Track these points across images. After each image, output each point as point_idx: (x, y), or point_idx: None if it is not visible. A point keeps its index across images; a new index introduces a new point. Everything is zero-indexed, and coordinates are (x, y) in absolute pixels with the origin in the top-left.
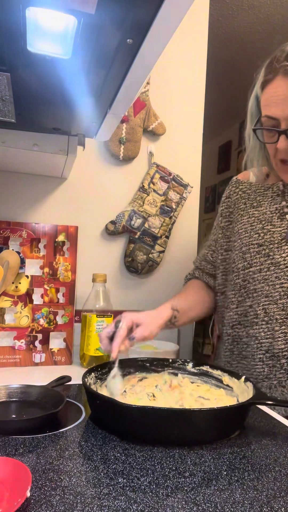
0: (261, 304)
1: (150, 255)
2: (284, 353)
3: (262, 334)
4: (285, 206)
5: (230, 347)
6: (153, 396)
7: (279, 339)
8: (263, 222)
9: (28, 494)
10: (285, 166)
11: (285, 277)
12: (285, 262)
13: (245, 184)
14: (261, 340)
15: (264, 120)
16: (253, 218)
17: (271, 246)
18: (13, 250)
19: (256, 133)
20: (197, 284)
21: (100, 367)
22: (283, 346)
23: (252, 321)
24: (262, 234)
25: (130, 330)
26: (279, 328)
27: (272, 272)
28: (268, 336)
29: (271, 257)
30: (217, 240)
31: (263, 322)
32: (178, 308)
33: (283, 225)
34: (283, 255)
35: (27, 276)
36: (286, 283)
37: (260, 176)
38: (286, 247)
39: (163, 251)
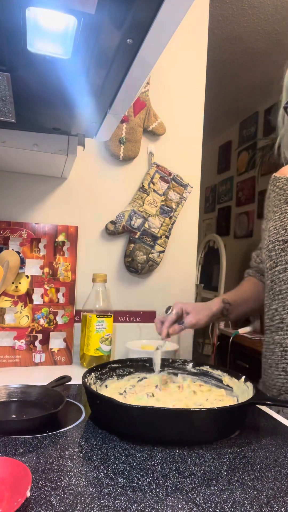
0: (287, 308)
1: (150, 255)
2: None
3: (287, 341)
4: None
5: (264, 354)
6: (153, 396)
7: None
8: None
9: (28, 494)
10: None
11: None
12: None
13: (282, 180)
14: (285, 348)
15: None
16: (284, 214)
17: None
18: (13, 250)
19: (286, 112)
20: (252, 281)
21: (100, 367)
22: None
23: (277, 326)
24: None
25: (181, 318)
26: None
27: None
28: None
29: None
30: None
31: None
32: (230, 301)
33: None
34: None
35: (27, 276)
36: None
37: None
38: None
39: (163, 251)
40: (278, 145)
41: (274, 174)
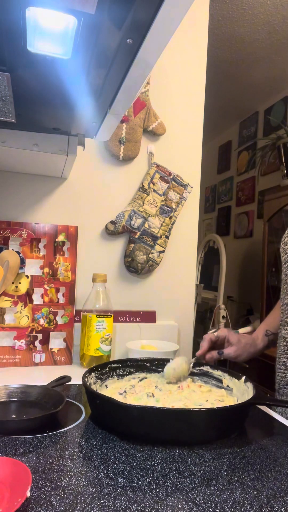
0: None
1: (150, 255)
2: None
3: None
4: None
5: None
6: (153, 396)
7: None
8: None
9: (28, 494)
10: None
11: None
12: None
13: None
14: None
15: None
16: None
17: None
18: (13, 250)
19: None
20: None
21: (100, 367)
22: None
23: (285, 321)
24: None
25: (222, 345)
26: None
27: None
28: None
29: None
30: None
31: None
32: (273, 331)
33: None
34: None
35: (27, 276)
36: None
37: None
38: None
39: (163, 251)
40: None
41: None
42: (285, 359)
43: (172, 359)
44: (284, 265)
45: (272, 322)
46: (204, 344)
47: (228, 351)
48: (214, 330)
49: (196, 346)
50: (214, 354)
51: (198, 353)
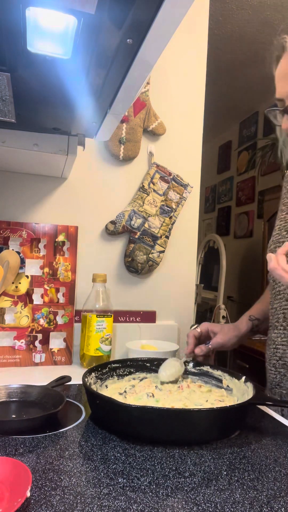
0: (282, 308)
1: (150, 255)
2: None
3: (279, 339)
4: None
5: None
6: (153, 396)
7: None
8: None
9: (28, 494)
10: None
11: None
12: None
13: None
14: (277, 346)
15: (272, 105)
16: None
17: None
18: (13, 250)
19: (270, 117)
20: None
21: (100, 367)
22: None
23: (274, 325)
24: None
25: (208, 338)
26: None
27: None
28: (284, 343)
29: None
30: None
31: (281, 328)
32: (257, 316)
33: None
34: None
35: (27, 276)
36: None
37: None
38: None
39: (163, 251)
40: (281, 150)
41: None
42: (274, 361)
43: (167, 359)
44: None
45: (257, 309)
46: (190, 341)
47: (215, 340)
48: (195, 326)
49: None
50: (202, 347)
51: (186, 351)
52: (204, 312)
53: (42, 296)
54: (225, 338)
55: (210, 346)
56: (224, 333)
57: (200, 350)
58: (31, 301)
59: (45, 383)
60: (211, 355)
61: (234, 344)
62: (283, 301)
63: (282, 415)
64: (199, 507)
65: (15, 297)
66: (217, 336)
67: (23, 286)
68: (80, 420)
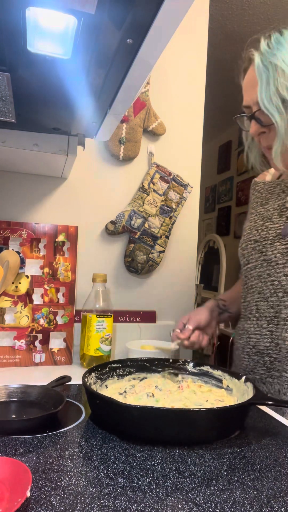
0: (255, 301)
1: (150, 255)
2: (268, 350)
3: (252, 329)
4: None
5: (235, 338)
6: (153, 396)
7: (266, 336)
8: (265, 219)
9: (28, 494)
10: (267, 152)
11: (276, 274)
12: (276, 259)
13: (260, 184)
14: (250, 335)
15: (241, 112)
16: (258, 216)
17: (265, 242)
18: (13, 250)
19: (238, 123)
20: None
21: (101, 367)
22: (268, 344)
23: (247, 316)
24: (260, 231)
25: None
26: (266, 326)
27: (265, 268)
28: (256, 332)
29: (264, 253)
30: None
31: (254, 318)
32: (222, 297)
33: (281, 221)
34: (275, 251)
35: (27, 276)
36: (275, 280)
37: (275, 174)
38: (278, 243)
39: (163, 251)
40: (246, 154)
41: (254, 179)
42: (248, 349)
43: (171, 359)
44: (243, 267)
45: (224, 295)
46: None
47: (191, 321)
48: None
49: None
50: (185, 332)
51: (183, 335)
52: None
53: (42, 296)
54: (198, 317)
55: (188, 325)
56: (195, 313)
57: (184, 335)
58: (31, 301)
59: (45, 383)
60: (206, 345)
61: (207, 318)
62: (255, 294)
63: (283, 414)
64: (199, 507)
65: (15, 297)
66: (190, 319)
67: (23, 286)
68: (80, 420)
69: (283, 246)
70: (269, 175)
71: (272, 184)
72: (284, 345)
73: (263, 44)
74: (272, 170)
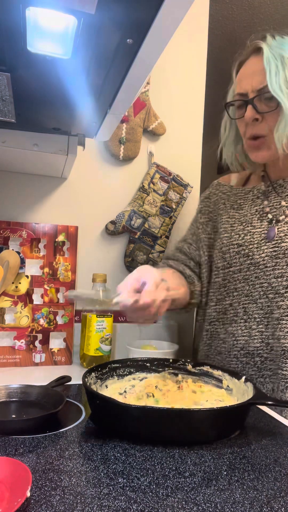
0: (241, 303)
1: (150, 255)
2: (259, 351)
3: (240, 331)
4: (267, 206)
5: (208, 342)
6: (153, 396)
7: (255, 337)
8: (244, 224)
9: (28, 494)
10: (254, 142)
11: (265, 277)
12: (264, 262)
13: (225, 186)
14: (237, 338)
15: (235, 99)
16: (233, 219)
17: (251, 246)
18: (13, 250)
19: (227, 110)
20: (173, 271)
21: (101, 367)
22: (258, 345)
23: (232, 319)
24: (242, 235)
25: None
26: (256, 327)
27: (252, 272)
28: (244, 334)
29: (250, 257)
30: (195, 234)
31: (242, 321)
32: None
33: (263, 225)
34: (262, 255)
35: (27, 276)
36: (265, 283)
37: (240, 179)
38: (265, 247)
39: (163, 251)
40: (220, 149)
41: (217, 180)
42: (236, 351)
43: (171, 359)
44: (222, 270)
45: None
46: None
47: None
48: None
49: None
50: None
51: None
52: None
53: (42, 296)
54: (151, 275)
55: (144, 285)
56: (142, 272)
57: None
58: (31, 301)
59: (45, 383)
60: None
61: (157, 275)
62: (241, 297)
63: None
64: (199, 507)
65: (15, 297)
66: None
67: (23, 286)
68: (80, 420)
69: (271, 250)
70: (234, 179)
71: (242, 190)
72: (279, 343)
73: (269, 38)
74: (235, 174)
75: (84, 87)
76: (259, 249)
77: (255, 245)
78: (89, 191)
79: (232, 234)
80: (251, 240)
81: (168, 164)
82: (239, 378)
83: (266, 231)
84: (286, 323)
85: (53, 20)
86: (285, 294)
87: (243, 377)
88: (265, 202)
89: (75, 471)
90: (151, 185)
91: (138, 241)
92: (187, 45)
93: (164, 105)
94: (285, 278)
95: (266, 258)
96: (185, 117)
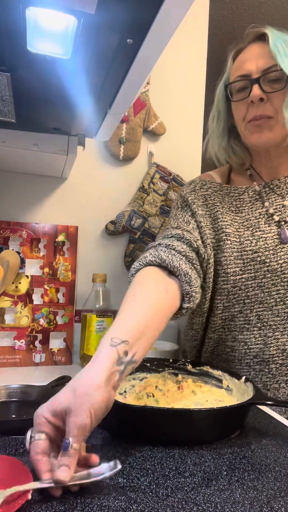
0: (255, 311)
1: None
2: (275, 358)
3: (253, 339)
4: (270, 208)
5: (210, 349)
6: (153, 396)
7: (271, 345)
8: (251, 229)
9: (29, 496)
10: (255, 123)
11: (282, 284)
12: (282, 268)
13: (213, 183)
14: (250, 346)
15: (235, 82)
16: (236, 223)
17: (267, 252)
18: (13, 250)
19: (231, 94)
20: (152, 276)
21: None
22: (274, 352)
23: (242, 327)
24: (254, 241)
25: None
26: (272, 334)
27: (269, 279)
28: (259, 342)
29: (267, 264)
30: (190, 223)
31: (255, 328)
32: (121, 337)
33: (272, 229)
34: (280, 261)
35: (27, 276)
36: (282, 289)
37: (223, 177)
38: (282, 253)
39: None
40: (207, 141)
41: (197, 177)
42: (248, 360)
43: (171, 359)
44: (232, 277)
45: (126, 325)
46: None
47: (73, 422)
48: (31, 435)
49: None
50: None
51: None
52: None
53: (42, 296)
54: (84, 411)
55: (70, 445)
56: (75, 407)
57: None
58: (31, 301)
59: (45, 383)
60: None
61: (106, 400)
62: (255, 304)
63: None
64: (199, 507)
65: (15, 297)
66: (72, 415)
67: (23, 286)
68: None
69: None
70: (216, 176)
71: (234, 190)
72: None
73: (269, 27)
74: (216, 172)
75: (84, 87)
76: (275, 255)
77: (271, 251)
78: (89, 191)
79: (242, 239)
80: (265, 246)
81: (168, 164)
82: (239, 378)
83: (277, 235)
84: None
85: (53, 20)
86: None
87: (243, 377)
88: (266, 204)
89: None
90: (151, 185)
91: (138, 241)
92: (187, 45)
93: (164, 105)
94: None
95: (283, 264)
96: (185, 117)
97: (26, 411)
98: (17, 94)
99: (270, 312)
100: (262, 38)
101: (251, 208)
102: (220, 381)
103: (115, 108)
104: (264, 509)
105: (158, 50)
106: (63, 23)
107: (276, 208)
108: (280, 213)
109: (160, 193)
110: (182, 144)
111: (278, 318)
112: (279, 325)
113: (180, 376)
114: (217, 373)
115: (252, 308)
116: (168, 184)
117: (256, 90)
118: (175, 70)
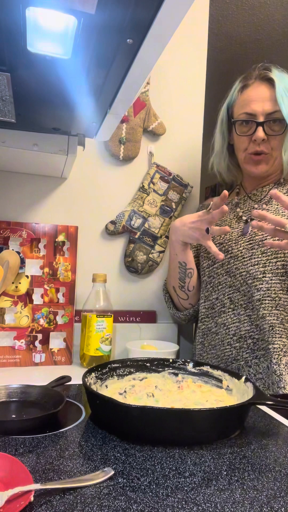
0: (227, 294)
1: (150, 255)
2: (250, 333)
3: (229, 320)
4: (241, 211)
5: (201, 340)
6: (153, 396)
7: (245, 321)
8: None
9: (32, 499)
10: (258, 157)
11: (243, 267)
12: (242, 254)
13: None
14: (228, 326)
15: (242, 117)
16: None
17: (230, 242)
18: (13, 250)
19: (235, 126)
20: None
21: (101, 367)
22: (248, 328)
23: (220, 311)
24: (222, 236)
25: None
26: (244, 312)
27: (232, 264)
28: (234, 321)
29: (230, 251)
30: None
31: (230, 309)
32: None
33: (240, 226)
34: (240, 248)
35: (27, 276)
36: (244, 271)
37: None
38: (241, 241)
39: (163, 251)
40: (212, 161)
41: (204, 203)
42: (229, 339)
43: (171, 359)
44: (207, 269)
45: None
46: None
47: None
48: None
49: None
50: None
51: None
52: None
53: (42, 296)
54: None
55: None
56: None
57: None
58: (31, 301)
59: (45, 383)
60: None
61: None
62: (226, 288)
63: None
64: (199, 507)
65: (15, 297)
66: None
67: (23, 286)
68: (80, 420)
69: (247, 243)
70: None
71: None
72: (265, 321)
73: (274, 69)
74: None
75: (84, 87)
76: (236, 243)
77: (233, 241)
78: (89, 191)
79: (214, 236)
80: (229, 238)
81: (168, 164)
82: (239, 378)
83: (241, 229)
84: (267, 302)
85: (53, 20)
86: (262, 278)
87: (243, 377)
88: (238, 209)
89: (75, 471)
90: (151, 185)
91: (138, 241)
92: (187, 45)
93: (164, 105)
94: (261, 265)
95: (243, 250)
96: (185, 117)
97: (26, 411)
98: (17, 94)
99: (238, 293)
100: (269, 80)
101: (228, 215)
102: (220, 381)
103: (115, 108)
104: (264, 509)
105: (158, 50)
106: (63, 23)
107: (246, 210)
108: (248, 213)
109: (160, 193)
110: (182, 144)
111: (245, 297)
112: (248, 303)
113: (180, 376)
114: (217, 373)
115: (224, 292)
116: (168, 184)
117: (260, 132)
118: (175, 70)
